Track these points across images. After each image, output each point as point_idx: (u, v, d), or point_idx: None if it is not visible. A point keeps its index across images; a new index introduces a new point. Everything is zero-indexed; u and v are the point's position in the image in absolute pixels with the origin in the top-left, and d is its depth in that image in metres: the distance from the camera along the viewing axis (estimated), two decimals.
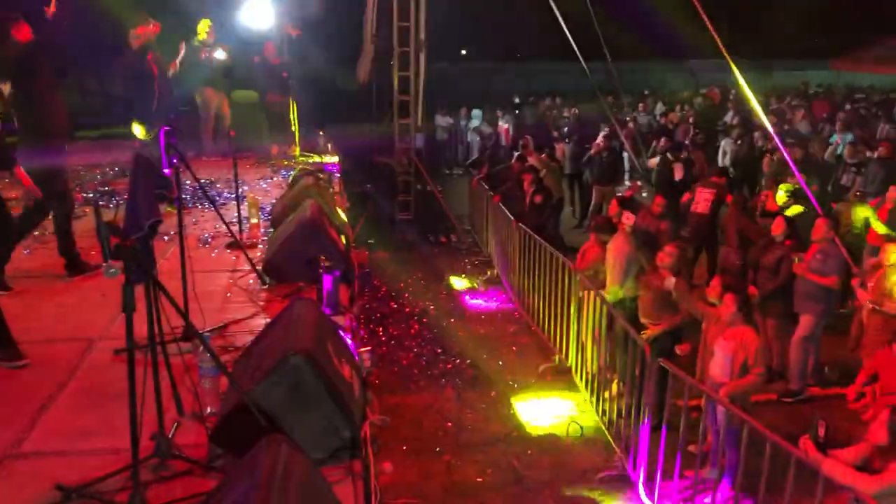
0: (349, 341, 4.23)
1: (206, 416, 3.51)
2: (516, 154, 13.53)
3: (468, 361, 8.38)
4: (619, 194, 10.79)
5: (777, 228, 7.75)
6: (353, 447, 3.25)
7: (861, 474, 4.20)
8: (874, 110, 19.32)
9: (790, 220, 7.90)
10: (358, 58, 13.94)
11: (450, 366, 8.29)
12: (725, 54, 9.14)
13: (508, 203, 10.86)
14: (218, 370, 3.49)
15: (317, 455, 3.13)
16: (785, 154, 9.60)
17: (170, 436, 3.26)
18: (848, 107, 19.72)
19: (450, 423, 7.11)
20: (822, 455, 4.36)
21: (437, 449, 6.69)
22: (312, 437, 3.15)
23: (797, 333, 7.52)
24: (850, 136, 14.05)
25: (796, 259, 7.44)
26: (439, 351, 8.63)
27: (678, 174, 11.81)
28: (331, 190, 8.32)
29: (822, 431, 4.41)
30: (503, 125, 19.00)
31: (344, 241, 6.14)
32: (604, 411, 7.00)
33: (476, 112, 19.89)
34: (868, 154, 12.67)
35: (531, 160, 12.77)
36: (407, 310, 9.86)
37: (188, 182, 7.71)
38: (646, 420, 5.99)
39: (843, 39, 23.87)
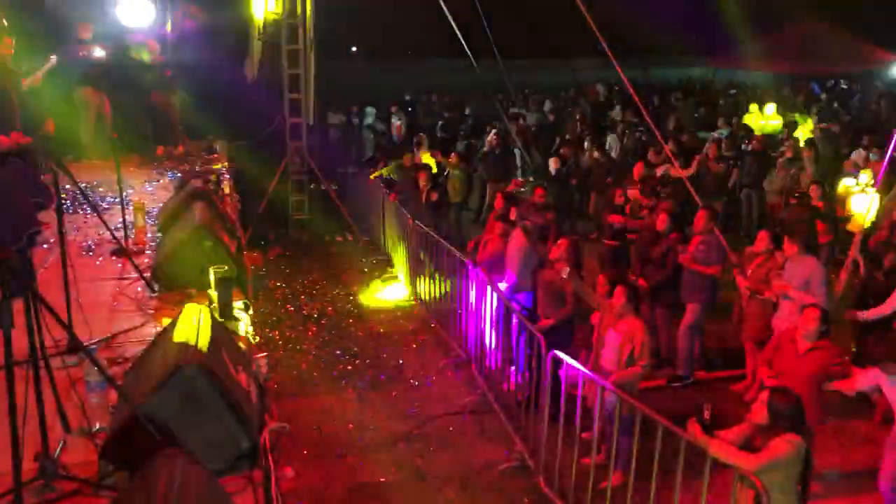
0: (245, 347, 4.14)
1: (94, 432, 3.35)
2: (410, 152, 13.57)
3: (368, 361, 8.35)
4: (505, 190, 10.98)
5: (661, 223, 8.09)
6: (253, 455, 3.19)
7: (744, 453, 4.42)
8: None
9: (674, 215, 8.26)
10: (246, 56, 13.61)
11: (349, 367, 8.24)
12: (609, 53, 9.45)
13: (405, 200, 10.87)
14: (106, 383, 3.35)
15: (215, 466, 3.05)
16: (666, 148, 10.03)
17: (55, 455, 3.09)
18: (722, 102, 20.78)
19: (351, 425, 7.07)
20: (709, 436, 4.58)
21: (339, 451, 6.64)
22: (210, 447, 3.07)
23: (684, 321, 7.87)
24: (725, 131, 14.85)
25: (681, 250, 7.81)
26: (338, 352, 8.57)
27: (553, 166, 12.38)
28: (220, 192, 8.10)
29: (707, 414, 4.62)
30: (396, 122, 18.99)
31: (236, 244, 5.99)
32: (504, 404, 7.12)
33: (370, 110, 19.79)
34: (743, 147, 13.42)
35: (426, 157, 12.84)
36: (304, 312, 9.74)
37: (68, 187, 7.34)
38: (543, 410, 6.14)
39: (721, 37, 25.02)
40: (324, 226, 13.22)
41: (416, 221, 9.63)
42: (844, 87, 24.60)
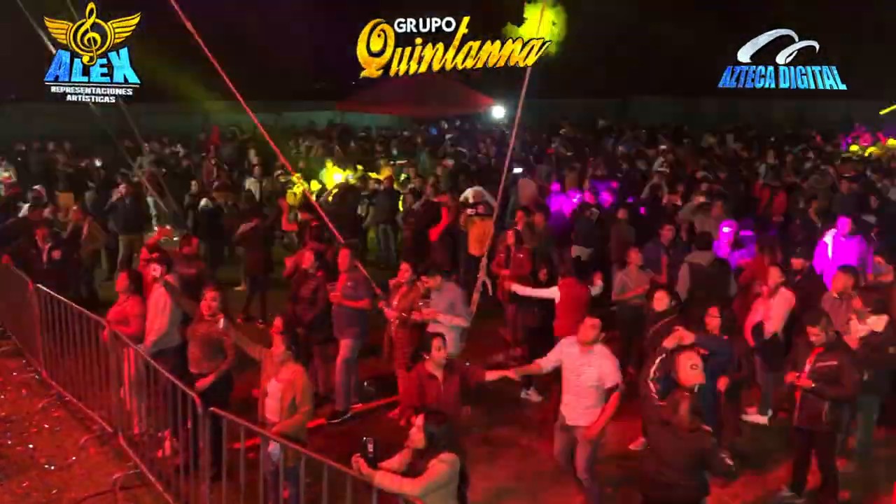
0: None
1: None
2: (27, 205, 12.14)
3: None
4: (145, 242, 10.33)
5: (307, 261, 8.22)
6: None
7: (407, 480, 4.59)
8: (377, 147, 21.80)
9: (319, 253, 8.44)
10: None
11: None
12: (239, 97, 9.39)
13: (22, 262, 9.61)
14: None
15: None
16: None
17: None
18: (353, 144, 21.87)
19: None
20: (374, 469, 4.67)
21: None
22: None
23: (340, 356, 8.04)
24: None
25: (330, 288, 7.99)
26: None
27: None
28: None
29: (370, 447, 4.72)
30: (4, 174, 16.77)
31: None
32: (160, 472, 6.59)
33: None
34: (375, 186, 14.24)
35: (45, 213, 11.57)
36: None
37: None
38: (204, 472, 5.80)
39: (347, 83, 26.22)
40: None
41: (38, 285, 8.54)
42: (466, 128, 27.33)
